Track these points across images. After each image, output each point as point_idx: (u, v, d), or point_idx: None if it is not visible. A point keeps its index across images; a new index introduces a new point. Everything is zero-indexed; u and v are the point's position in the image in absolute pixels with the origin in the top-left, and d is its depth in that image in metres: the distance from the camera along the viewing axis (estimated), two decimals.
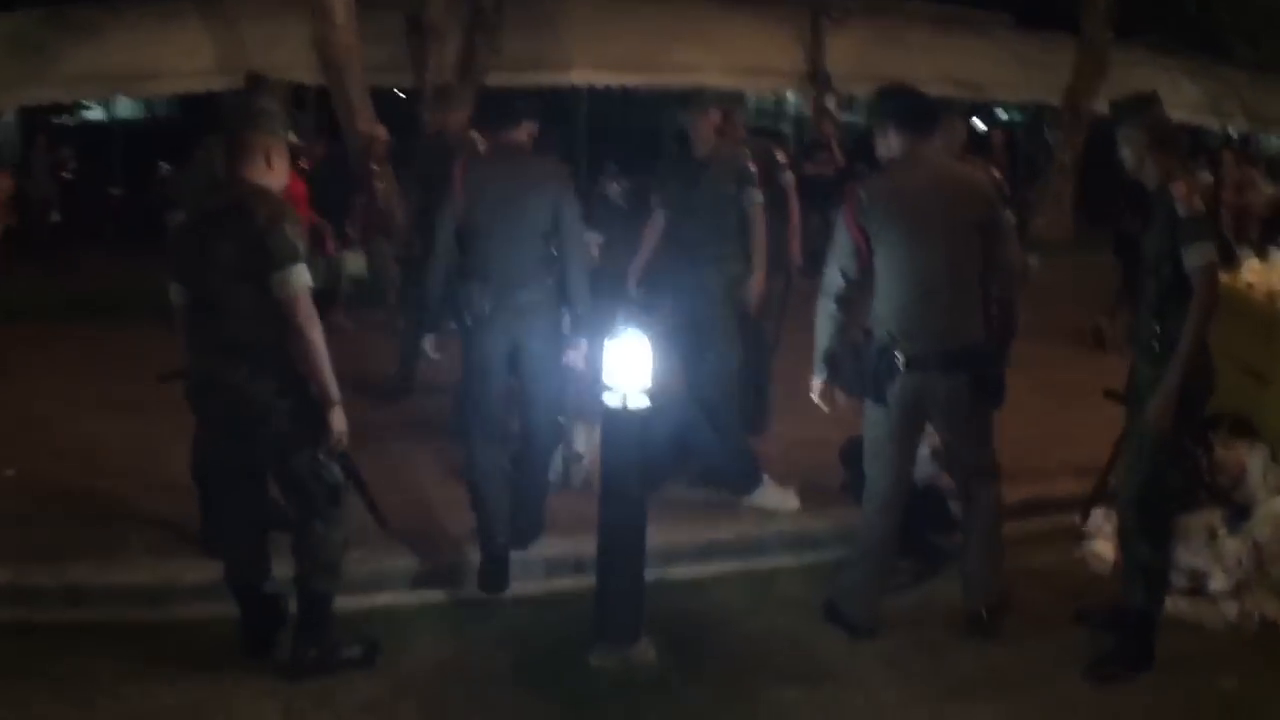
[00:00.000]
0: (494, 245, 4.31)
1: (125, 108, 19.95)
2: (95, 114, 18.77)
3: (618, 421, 3.64)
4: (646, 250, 5.61)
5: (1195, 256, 3.50)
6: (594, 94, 14.51)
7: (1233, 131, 16.29)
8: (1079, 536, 4.83)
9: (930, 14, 14.46)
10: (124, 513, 4.82)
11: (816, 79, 14.00)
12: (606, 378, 3.67)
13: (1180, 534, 4.36)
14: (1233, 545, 4.34)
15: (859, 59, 13.96)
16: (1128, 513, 3.79)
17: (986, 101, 14.01)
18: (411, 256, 6.25)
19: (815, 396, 3.97)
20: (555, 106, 15.24)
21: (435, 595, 4.39)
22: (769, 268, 5.60)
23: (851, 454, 4.67)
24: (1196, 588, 4.28)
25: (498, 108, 4.61)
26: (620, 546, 3.73)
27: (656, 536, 4.57)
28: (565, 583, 4.45)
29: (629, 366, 3.64)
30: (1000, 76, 13.71)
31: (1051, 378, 6.72)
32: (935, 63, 13.68)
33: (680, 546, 4.71)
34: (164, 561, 4.44)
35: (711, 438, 5.04)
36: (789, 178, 6.14)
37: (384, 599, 4.32)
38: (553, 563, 4.58)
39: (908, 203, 3.74)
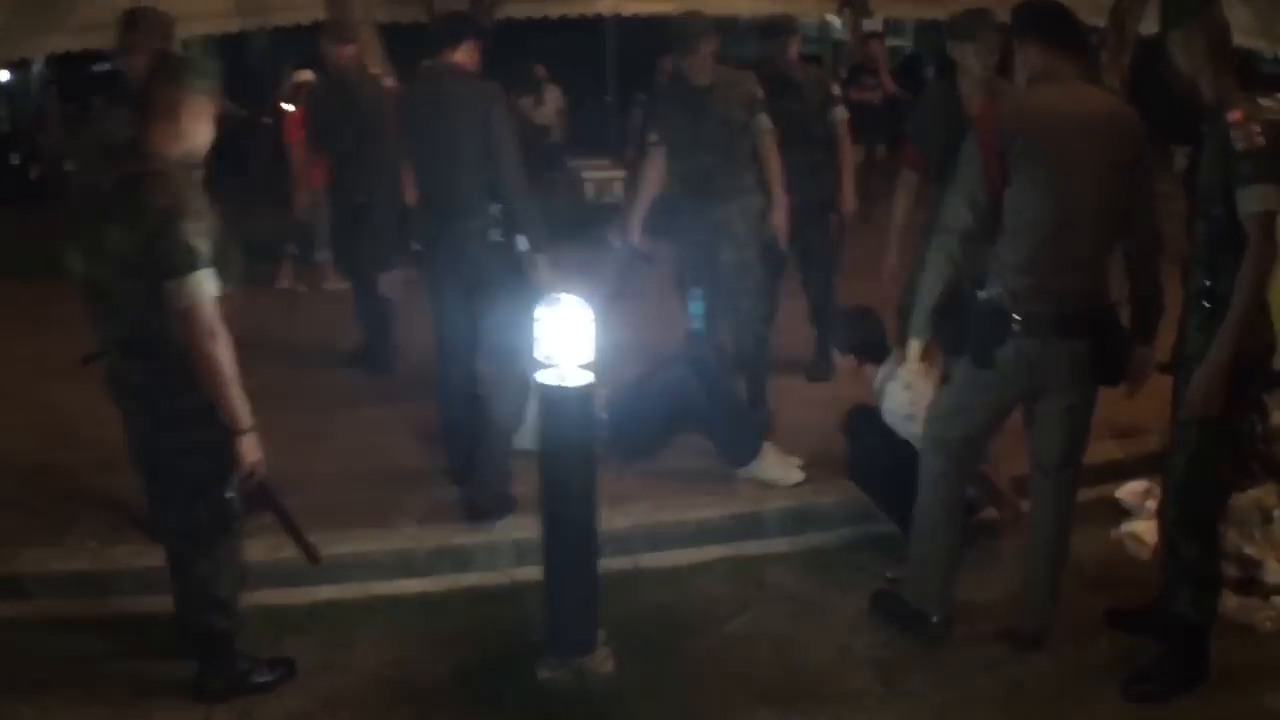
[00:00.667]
0: (431, 174, 4.24)
1: None
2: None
3: (556, 402, 3.10)
4: (648, 192, 5.12)
5: (1251, 201, 2.81)
6: (623, 23, 13.84)
7: None
8: (1118, 513, 4.23)
9: None
10: (74, 491, 4.46)
11: (853, 2, 13.09)
12: (542, 352, 3.13)
13: (1229, 516, 3.75)
14: None
15: None
16: (1172, 506, 3.17)
17: None
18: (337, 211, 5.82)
19: (912, 361, 3.40)
20: (583, 37, 14.70)
21: (385, 587, 3.95)
22: (818, 214, 5.43)
23: (856, 425, 4.11)
24: (1247, 578, 3.67)
25: (437, 28, 4.46)
26: (567, 546, 3.22)
27: (635, 518, 4.24)
28: (534, 571, 3.81)
29: (568, 338, 3.09)
30: None
31: None
32: None
33: (662, 529, 4.22)
34: (109, 547, 4.08)
35: (708, 404, 4.50)
36: (842, 113, 5.53)
37: (328, 593, 3.88)
38: (522, 547, 4.05)
39: (1055, 131, 3.06)
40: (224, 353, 2.88)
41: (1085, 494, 4.26)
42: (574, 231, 7.60)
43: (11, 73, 14.73)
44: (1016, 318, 3.07)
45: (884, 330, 4.11)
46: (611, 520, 4.20)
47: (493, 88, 4.23)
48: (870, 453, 3.95)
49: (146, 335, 2.93)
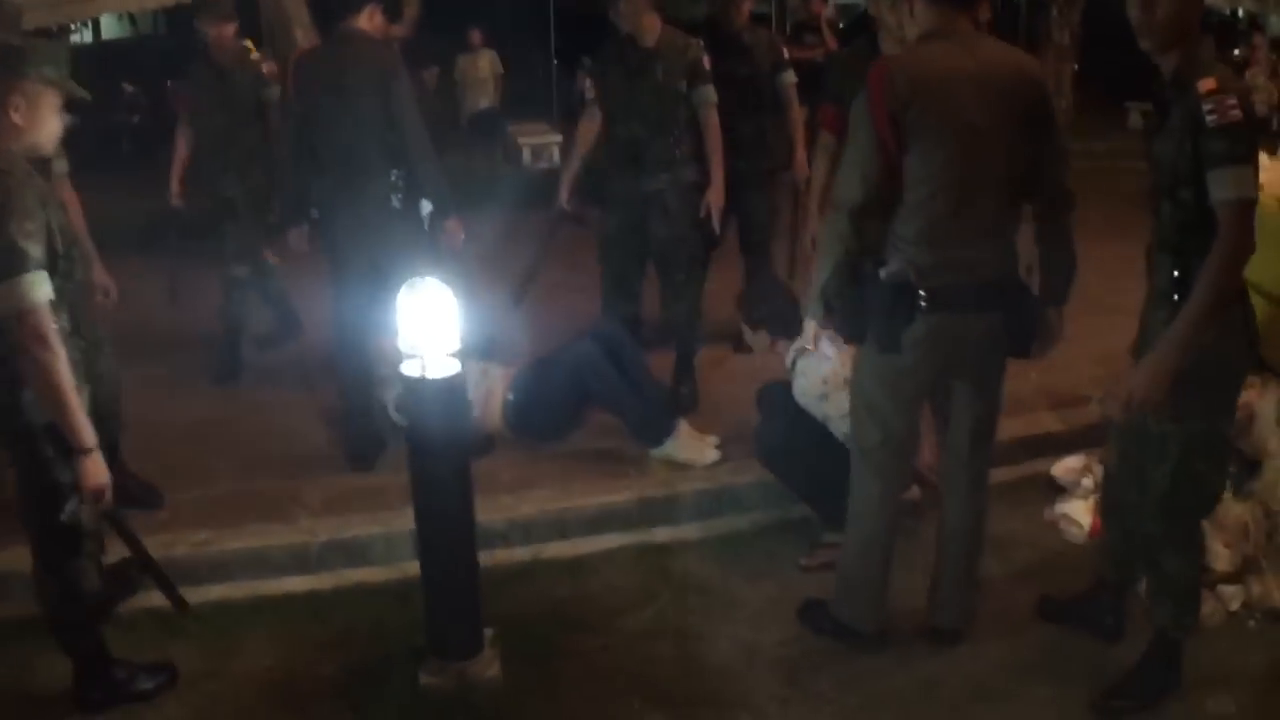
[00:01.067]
0: (329, 139, 4.14)
1: (110, 27, 19.09)
2: (83, 36, 17.99)
3: (420, 395, 2.81)
4: (580, 153, 4.90)
5: (1225, 185, 2.47)
6: None
7: (1242, 11, 14.74)
8: (1053, 491, 4.01)
9: None
10: None
11: None
12: (403, 342, 2.83)
13: None
14: (1237, 511, 3.46)
15: None
16: (1153, 519, 2.86)
17: None
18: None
19: (808, 341, 3.14)
20: None
21: (277, 585, 3.69)
22: (769, 184, 5.32)
23: (767, 403, 3.85)
24: None
25: None
26: (441, 546, 2.94)
27: (538, 505, 4.00)
28: None
29: (431, 325, 2.80)
30: None
31: None
32: None
33: (566, 515, 3.96)
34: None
35: (616, 381, 4.23)
36: (791, 76, 5.25)
37: (217, 592, 3.64)
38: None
39: (950, 92, 2.73)
40: (57, 362, 2.60)
41: (1018, 470, 4.15)
42: (510, 198, 7.41)
43: None
44: (923, 294, 2.78)
45: (797, 303, 3.84)
46: (515, 508, 4.01)
47: (392, 54, 4.17)
48: (779, 433, 3.69)
49: None
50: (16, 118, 2.66)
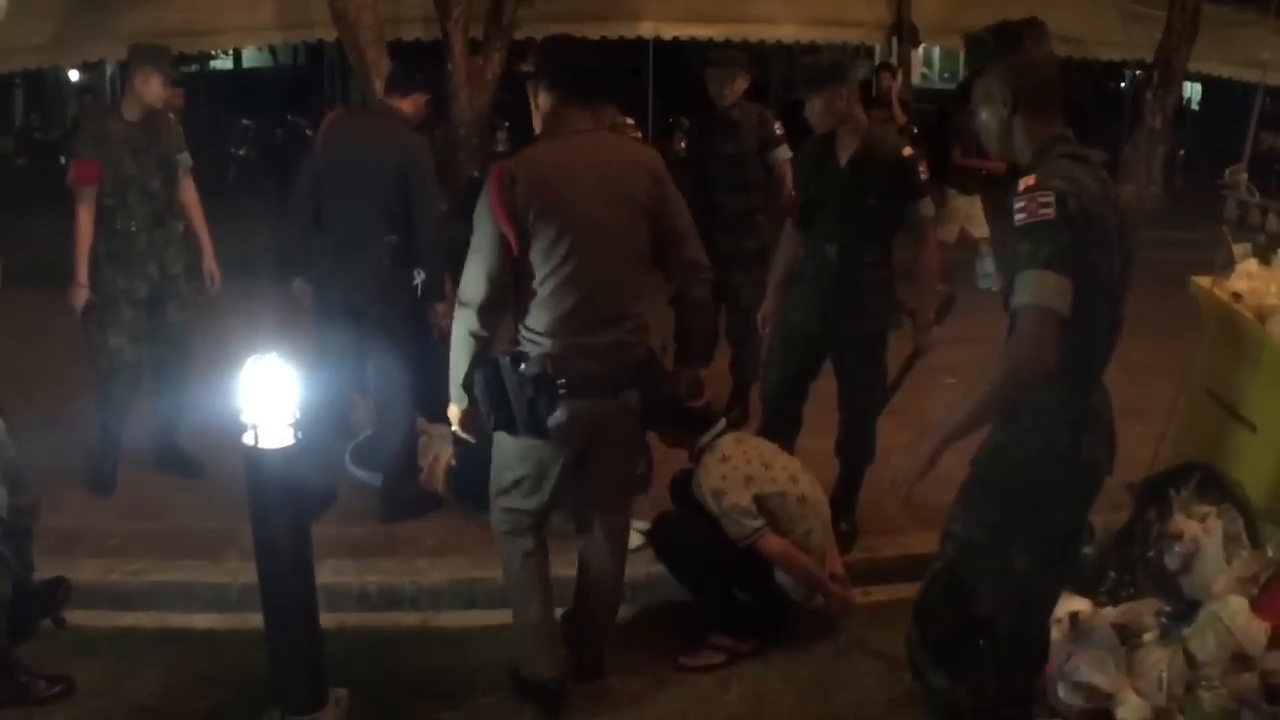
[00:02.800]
0: (339, 200, 4.27)
1: (252, 57, 20.21)
2: (223, 63, 19.14)
3: (259, 464, 2.85)
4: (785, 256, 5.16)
5: (1019, 289, 2.34)
6: (661, 46, 13.72)
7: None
8: None
9: None
10: None
11: (901, 31, 12.70)
12: (244, 413, 2.88)
13: (1077, 632, 3.31)
14: (1156, 657, 3.17)
15: (948, 10, 12.58)
16: (912, 623, 2.72)
17: (1086, 59, 12.38)
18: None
19: (457, 428, 3.17)
20: (624, 58, 14.55)
21: (190, 620, 3.86)
22: (750, 262, 5.21)
23: (673, 492, 3.79)
24: (1095, 711, 3.15)
25: (396, 73, 4.69)
26: (280, 607, 2.96)
27: (449, 573, 4.05)
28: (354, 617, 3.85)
29: (269, 397, 2.85)
30: (1101, 32, 12.10)
31: None
32: (1027, 13, 12.19)
33: (475, 586, 3.95)
34: None
35: None
36: (783, 153, 5.21)
37: (132, 619, 3.84)
38: (330, 590, 3.85)
39: (567, 187, 2.90)
40: None
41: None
42: None
43: (82, 72, 15.21)
44: (561, 383, 2.88)
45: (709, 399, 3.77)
46: (426, 572, 4.04)
47: (420, 142, 4.37)
48: (675, 527, 3.61)
49: None
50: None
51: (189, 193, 4.73)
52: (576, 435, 3.02)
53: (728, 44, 9.82)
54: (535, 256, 2.87)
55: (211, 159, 14.68)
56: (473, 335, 2.93)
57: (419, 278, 4.38)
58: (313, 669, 3.05)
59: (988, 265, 8.17)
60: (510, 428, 2.96)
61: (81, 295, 4.41)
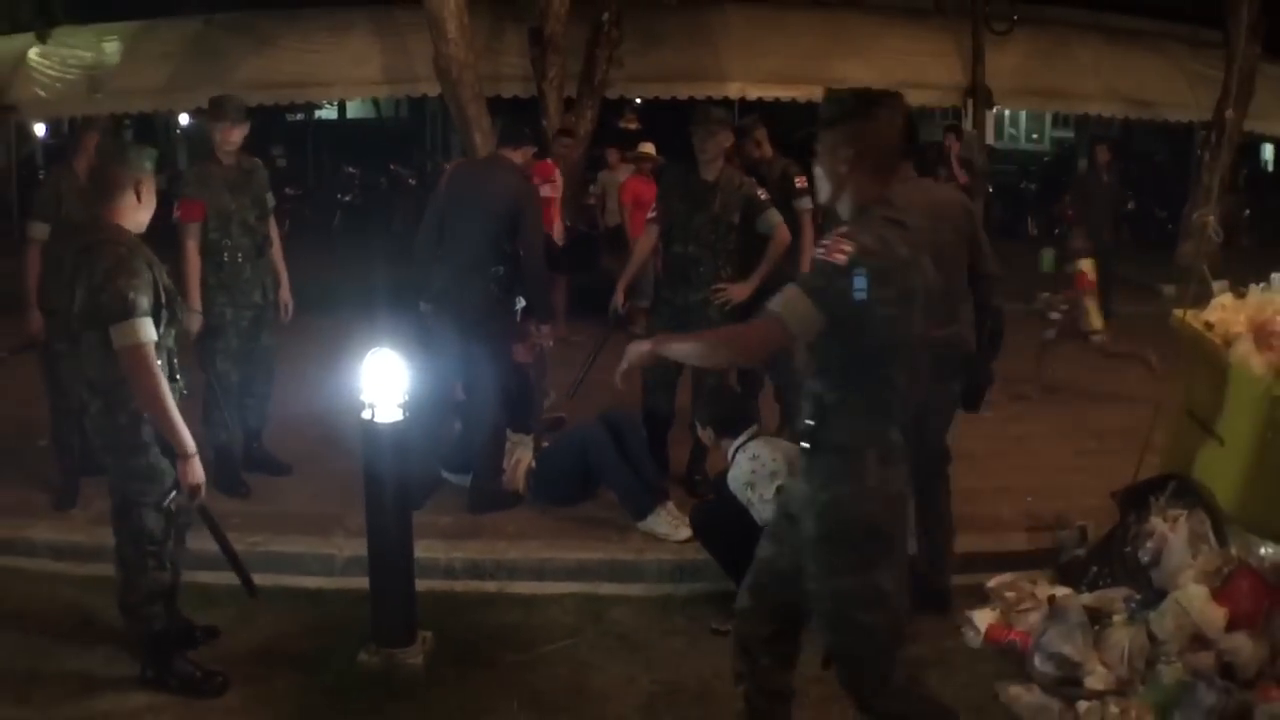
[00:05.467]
0: (457, 235, 4.95)
1: (356, 108, 21.49)
2: (329, 113, 20.43)
3: (372, 434, 3.58)
4: (636, 263, 5.66)
5: (778, 299, 2.62)
6: (746, 106, 14.38)
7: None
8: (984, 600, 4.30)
9: (1099, 25, 13.28)
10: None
11: (976, 94, 13.18)
12: (363, 393, 3.61)
13: (1053, 612, 3.82)
14: (1120, 636, 3.66)
15: (1022, 73, 13.07)
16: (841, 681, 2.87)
17: (1154, 120, 12.72)
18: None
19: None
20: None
21: (301, 582, 4.54)
22: (768, 291, 5.58)
23: (715, 489, 4.41)
24: (1065, 679, 3.63)
25: (506, 127, 5.36)
26: (385, 553, 3.67)
27: (525, 552, 4.71)
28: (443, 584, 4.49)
29: (383, 382, 3.58)
30: (1170, 94, 12.46)
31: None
32: (1102, 79, 12.58)
33: (545, 565, 4.63)
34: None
35: (613, 459, 4.88)
36: (806, 202, 5.77)
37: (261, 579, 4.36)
38: (423, 565, 4.51)
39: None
40: (155, 385, 3.30)
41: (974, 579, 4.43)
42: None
43: (193, 118, 16.44)
44: None
45: (745, 407, 4.42)
46: (505, 552, 4.70)
47: (529, 187, 5.13)
48: (708, 511, 4.23)
49: (101, 377, 3.41)
50: (139, 200, 3.48)
51: (272, 231, 5.36)
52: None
53: (709, 102, 9.93)
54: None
55: (318, 205, 15.76)
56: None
57: (520, 304, 5.14)
58: (406, 610, 3.73)
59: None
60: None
61: (197, 321, 4.97)
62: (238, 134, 5.10)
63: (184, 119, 17.48)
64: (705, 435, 4.42)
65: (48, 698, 3.62)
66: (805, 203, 5.72)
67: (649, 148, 9.76)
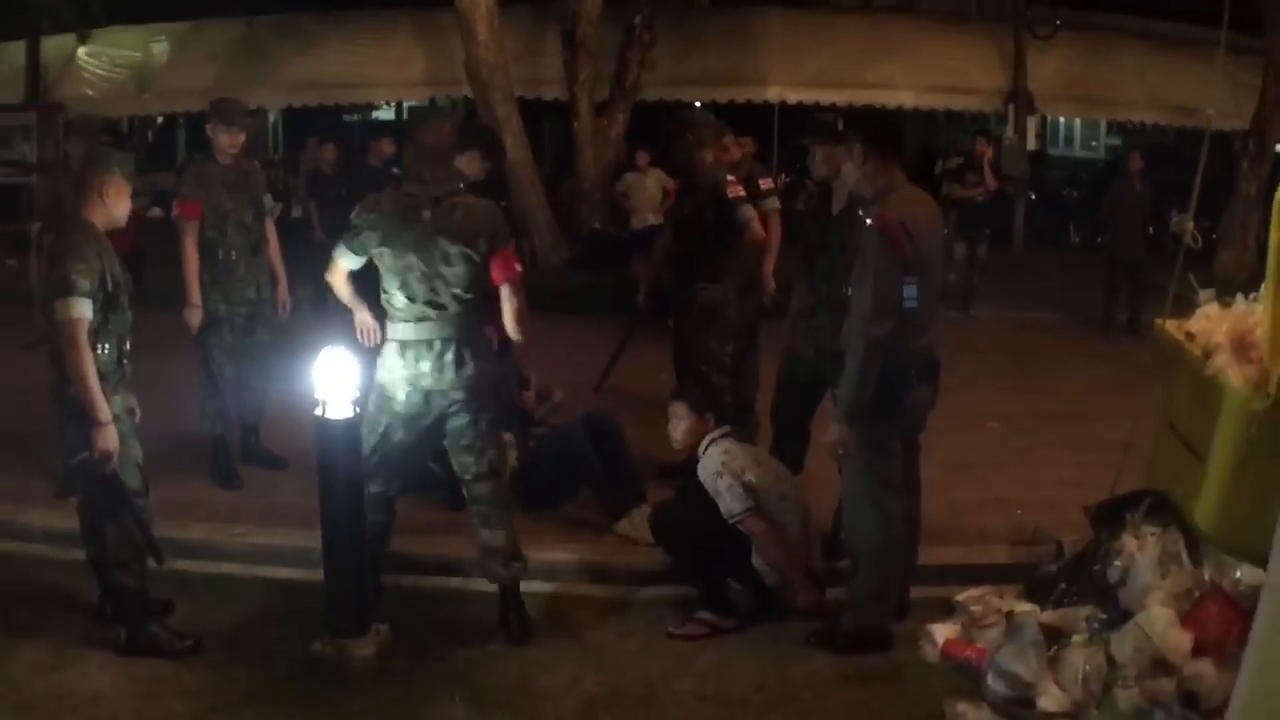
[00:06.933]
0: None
1: (414, 108, 21.75)
2: (386, 113, 20.74)
3: (324, 430, 3.62)
4: (656, 265, 5.76)
5: None
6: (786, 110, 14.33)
7: None
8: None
9: (1142, 31, 13.02)
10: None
11: (1018, 99, 13.00)
12: (317, 390, 3.65)
13: (1009, 627, 3.74)
14: (1077, 658, 3.54)
15: (1064, 79, 12.85)
16: None
17: (1197, 127, 12.41)
18: None
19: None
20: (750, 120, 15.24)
21: (275, 572, 4.61)
22: (742, 292, 5.60)
23: (682, 483, 4.39)
24: (1017, 699, 3.53)
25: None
26: (337, 546, 3.71)
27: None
28: (410, 580, 4.54)
29: (335, 379, 3.62)
30: (1213, 102, 12.15)
31: None
32: (1145, 85, 12.34)
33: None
34: None
35: (591, 459, 4.89)
36: (773, 203, 5.83)
37: (235, 569, 4.69)
38: (417, 561, 4.66)
39: (930, 228, 3.89)
40: (80, 361, 3.55)
41: (926, 591, 4.39)
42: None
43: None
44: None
45: (723, 404, 4.42)
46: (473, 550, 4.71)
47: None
48: (671, 513, 4.22)
49: (55, 349, 3.69)
50: (104, 200, 3.74)
51: (269, 231, 5.43)
52: None
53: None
54: (910, 286, 3.69)
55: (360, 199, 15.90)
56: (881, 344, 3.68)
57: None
58: (358, 601, 3.77)
59: None
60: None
61: (196, 315, 5.12)
62: (229, 139, 5.19)
63: None
64: (673, 408, 4.36)
65: (18, 674, 3.74)
66: (771, 203, 5.72)
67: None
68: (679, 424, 4.29)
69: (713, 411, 4.33)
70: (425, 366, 3.84)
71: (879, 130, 3.93)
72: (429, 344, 3.84)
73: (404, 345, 3.86)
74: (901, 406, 3.80)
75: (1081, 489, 5.20)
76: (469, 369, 3.87)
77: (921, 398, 3.89)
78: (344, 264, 3.97)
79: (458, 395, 3.87)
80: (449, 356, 3.83)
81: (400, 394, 3.86)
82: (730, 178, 5.32)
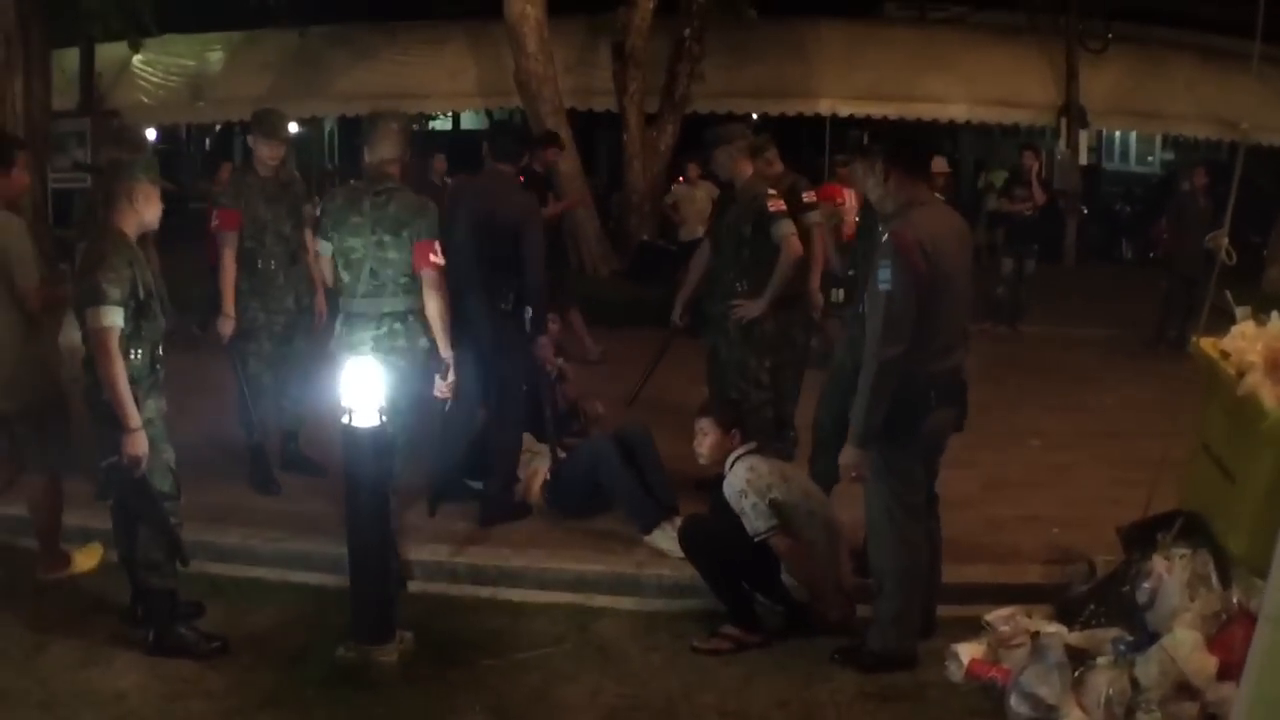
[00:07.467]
0: (465, 254, 4.86)
1: (470, 119, 22.06)
2: (443, 124, 21.01)
3: (351, 438, 3.68)
4: (691, 280, 5.78)
5: None
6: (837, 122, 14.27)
7: None
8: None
9: (1195, 45, 12.77)
10: None
11: (1070, 113, 12.82)
12: (344, 399, 3.71)
13: (1035, 649, 3.69)
14: (1101, 681, 3.49)
15: (1117, 93, 12.66)
16: None
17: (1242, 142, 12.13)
18: None
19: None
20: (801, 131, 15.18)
21: (307, 578, 4.66)
22: (787, 305, 5.60)
23: (713, 499, 4.39)
24: None
25: (507, 139, 5.39)
26: (363, 553, 3.77)
27: (527, 560, 4.74)
28: (439, 587, 4.60)
29: (362, 388, 3.68)
30: (1263, 116, 11.90)
31: None
32: (1197, 98, 12.11)
33: (545, 574, 4.65)
34: None
35: (621, 473, 4.91)
36: (814, 217, 5.86)
37: (270, 572, 4.72)
38: (428, 568, 4.71)
39: (948, 244, 3.79)
40: (112, 368, 3.64)
41: (956, 610, 4.34)
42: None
43: (300, 127, 17.06)
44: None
45: (753, 424, 4.44)
46: (508, 559, 4.75)
47: (531, 200, 5.21)
48: (701, 527, 4.21)
49: (89, 356, 3.78)
50: (134, 206, 3.84)
51: (307, 239, 5.34)
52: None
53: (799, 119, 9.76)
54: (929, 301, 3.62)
55: None
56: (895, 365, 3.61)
57: (528, 315, 5.09)
58: (383, 609, 3.82)
59: None
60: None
61: (229, 325, 5.18)
62: (269, 151, 5.29)
63: (293, 127, 18.14)
64: (699, 424, 4.35)
65: (45, 671, 3.83)
66: (814, 217, 5.70)
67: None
68: (704, 439, 4.29)
69: (739, 427, 4.32)
70: (365, 336, 4.47)
71: (900, 146, 3.90)
72: (369, 318, 4.49)
73: (349, 317, 4.56)
74: (920, 431, 3.72)
75: (1120, 507, 5.12)
76: (401, 342, 4.49)
77: (942, 421, 3.80)
78: (321, 250, 4.68)
79: (396, 364, 4.37)
80: (383, 330, 4.48)
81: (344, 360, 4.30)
82: (771, 191, 5.33)
